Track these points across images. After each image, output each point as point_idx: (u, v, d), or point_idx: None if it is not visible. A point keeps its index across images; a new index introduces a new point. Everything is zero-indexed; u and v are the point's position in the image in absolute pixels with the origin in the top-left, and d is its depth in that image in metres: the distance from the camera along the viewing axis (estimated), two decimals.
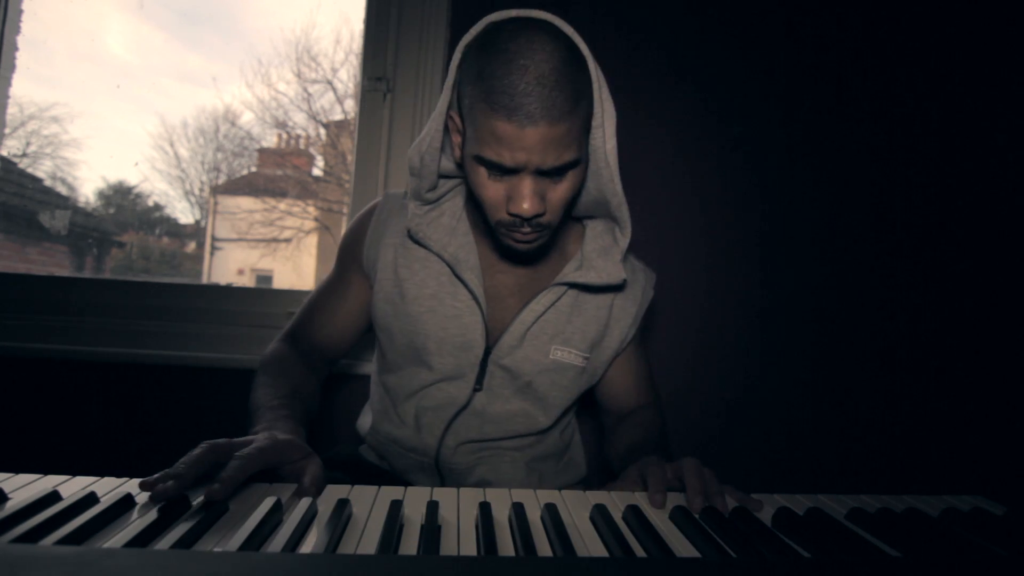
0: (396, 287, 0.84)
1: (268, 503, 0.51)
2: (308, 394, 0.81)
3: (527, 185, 0.67)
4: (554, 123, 0.63)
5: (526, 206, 0.67)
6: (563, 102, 0.63)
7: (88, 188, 1.57)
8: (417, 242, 0.84)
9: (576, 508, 0.56)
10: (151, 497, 0.50)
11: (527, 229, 0.71)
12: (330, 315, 0.90)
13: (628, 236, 0.80)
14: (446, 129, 0.78)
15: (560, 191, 0.70)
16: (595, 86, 0.69)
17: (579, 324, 0.84)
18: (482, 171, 0.69)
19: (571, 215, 0.86)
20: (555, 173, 0.68)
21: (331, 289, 0.91)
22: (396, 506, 0.51)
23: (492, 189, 0.70)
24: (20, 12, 1.40)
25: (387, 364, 0.89)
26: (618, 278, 0.81)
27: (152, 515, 0.47)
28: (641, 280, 0.90)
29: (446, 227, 0.84)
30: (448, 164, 0.81)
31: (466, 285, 0.81)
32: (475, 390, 0.83)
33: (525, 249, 0.75)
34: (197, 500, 0.53)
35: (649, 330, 1.00)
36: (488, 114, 0.64)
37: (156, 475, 0.52)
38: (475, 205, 0.82)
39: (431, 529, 0.47)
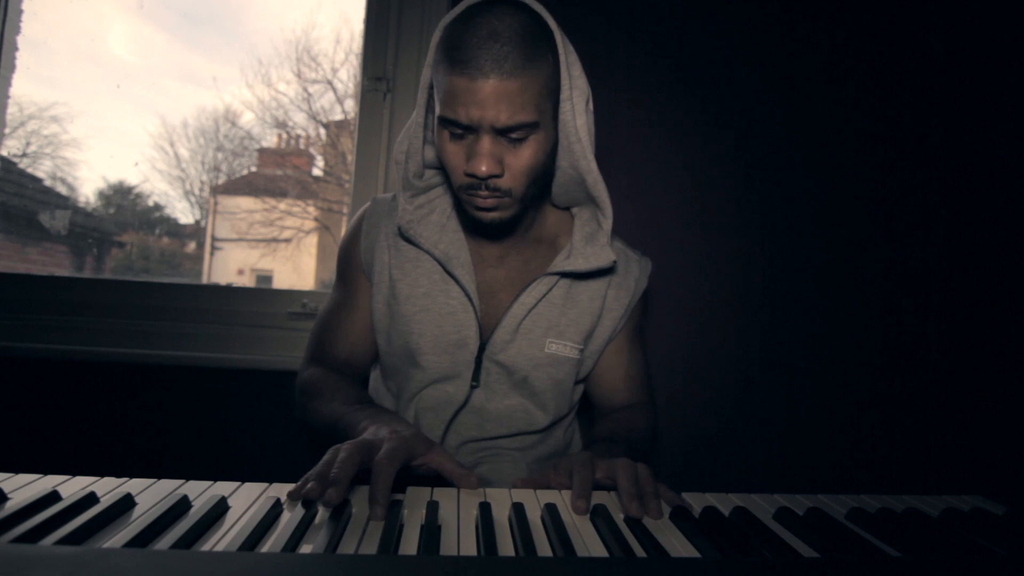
0: (390, 288, 0.84)
1: (268, 502, 0.51)
2: (373, 401, 0.81)
3: (483, 144, 0.68)
4: (505, 77, 0.65)
5: (481, 165, 0.68)
6: (515, 58, 0.65)
7: (88, 188, 1.57)
8: (408, 239, 0.84)
9: None
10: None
11: (484, 192, 0.71)
12: (347, 328, 0.89)
13: (610, 217, 0.80)
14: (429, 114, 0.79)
15: (521, 158, 0.70)
16: (562, 60, 0.71)
17: (573, 316, 0.84)
18: (445, 135, 0.71)
19: (555, 202, 0.85)
20: (511, 133, 0.68)
21: (339, 302, 0.90)
22: (396, 506, 0.51)
23: (454, 152, 0.71)
24: (20, 12, 1.40)
25: (386, 369, 0.89)
26: (607, 260, 0.80)
27: (152, 515, 0.47)
28: (635, 270, 0.89)
29: (436, 224, 0.84)
30: (431, 153, 0.82)
31: (458, 281, 0.81)
32: (472, 387, 0.83)
33: (487, 219, 0.74)
34: (196, 500, 0.53)
35: (645, 328, 0.98)
36: (447, 72, 0.67)
37: (310, 484, 0.52)
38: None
39: (431, 529, 0.47)
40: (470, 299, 0.81)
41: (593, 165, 0.76)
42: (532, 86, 0.67)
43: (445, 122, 0.69)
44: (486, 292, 0.84)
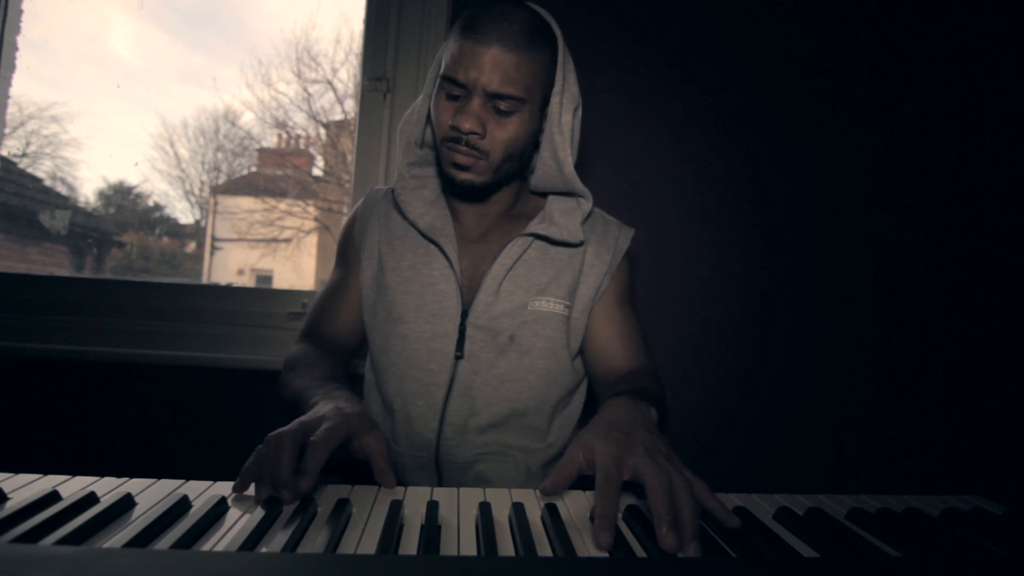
0: (378, 262, 0.90)
1: (267, 503, 0.51)
2: (344, 380, 0.83)
3: (473, 105, 0.76)
4: (506, 50, 0.74)
5: (466, 122, 0.76)
6: (519, 38, 0.75)
7: (88, 188, 1.57)
8: (397, 207, 0.90)
9: (576, 508, 0.56)
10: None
11: (464, 149, 0.78)
12: (340, 307, 0.94)
13: (590, 201, 0.87)
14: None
15: (505, 129, 0.78)
16: (559, 63, 0.81)
17: (553, 273, 0.87)
18: (443, 93, 0.79)
19: (535, 190, 0.90)
20: (499, 102, 0.76)
21: (336, 283, 0.95)
22: (396, 506, 0.51)
23: (444, 107, 0.79)
24: (20, 12, 1.40)
25: (375, 350, 0.90)
26: (576, 237, 0.86)
27: (152, 515, 0.47)
28: (615, 231, 0.92)
29: (426, 199, 0.90)
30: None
31: (442, 250, 0.86)
32: (457, 358, 0.84)
33: (460, 178, 0.80)
34: (196, 500, 0.53)
35: (635, 294, 0.96)
36: (457, 38, 0.77)
37: (247, 480, 0.56)
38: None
39: (431, 529, 0.47)
40: (453, 268, 0.85)
41: (570, 159, 0.83)
42: (527, 67, 0.76)
43: (445, 80, 0.77)
44: (468, 267, 0.87)
